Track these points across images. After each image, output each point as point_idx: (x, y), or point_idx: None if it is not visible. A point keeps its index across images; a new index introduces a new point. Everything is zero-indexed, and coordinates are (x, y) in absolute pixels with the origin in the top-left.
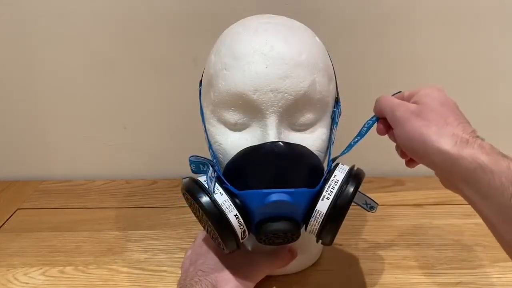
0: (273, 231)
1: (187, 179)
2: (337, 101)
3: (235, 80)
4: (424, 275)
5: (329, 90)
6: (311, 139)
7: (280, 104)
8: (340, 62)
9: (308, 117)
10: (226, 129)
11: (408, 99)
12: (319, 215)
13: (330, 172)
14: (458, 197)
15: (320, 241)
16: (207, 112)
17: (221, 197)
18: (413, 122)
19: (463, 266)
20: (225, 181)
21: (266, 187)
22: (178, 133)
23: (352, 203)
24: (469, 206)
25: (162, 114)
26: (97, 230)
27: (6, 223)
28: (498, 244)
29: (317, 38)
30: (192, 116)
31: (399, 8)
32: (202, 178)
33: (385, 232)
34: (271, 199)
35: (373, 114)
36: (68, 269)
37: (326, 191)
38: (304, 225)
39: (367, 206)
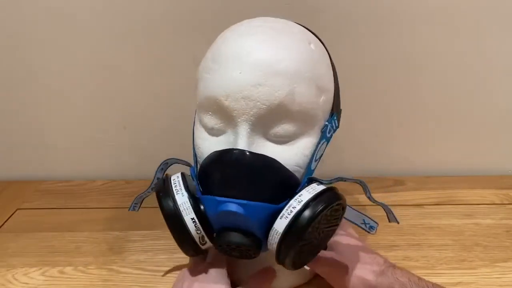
0: (226, 242)
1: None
2: (332, 114)
3: (211, 84)
4: (424, 275)
5: (316, 102)
6: (290, 153)
7: (252, 112)
8: (340, 62)
9: (286, 128)
10: (206, 133)
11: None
12: (276, 234)
13: (299, 190)
14: (458, 197)
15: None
16: (195, 115)
17: (181, 198)
18: (344, 270)
19: (463, 266)
20: (198, 185)
21: (221, 195)
22: (178, 133)
23: (350, 222)
24: (469, 206)
25: (162, 114)
26: (97, 230)
27: (6, 223)
28: (498, 244)
29: (312, 46)
30: (192, 116)
31: (399, 8)
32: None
33: (385, 232)
34: (222, 208)
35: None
36: (68, 269)
37: (287, 210)
38: None
39: (365, 226)
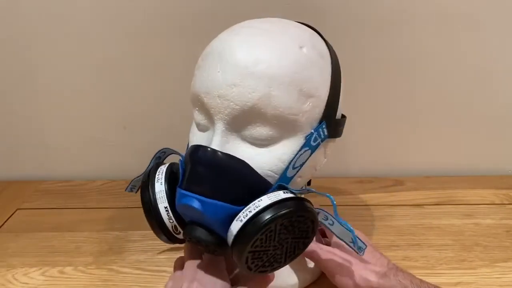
0: (188, 234)
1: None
2: (321, 122)
3: (197, 81)
4: (424, 275)
5: (298, 107)
6: (265, 157)
7: (226, 112)
8: (340, 62)
9: (260, 131)
10: (195, 128)
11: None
12: (231, 236)
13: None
14: (458, 197)
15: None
16: None
17: (159, 187)
18: (347, 268)
19: (463, 266)
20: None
21: (186, 189)
22: (178, 133)
23: (338, 238)
24: (469, 206)
25: (162, 114)
26: (97, 230)
27: (6, 223)
28: (498, 244)
29: (304, 49)
30: (192, 116)
31: (399, 8)
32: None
33: (385, 232)
34: (183, 201)
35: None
36: (68, 269)
37: (243, 212)
38: None
39: (354, 245)
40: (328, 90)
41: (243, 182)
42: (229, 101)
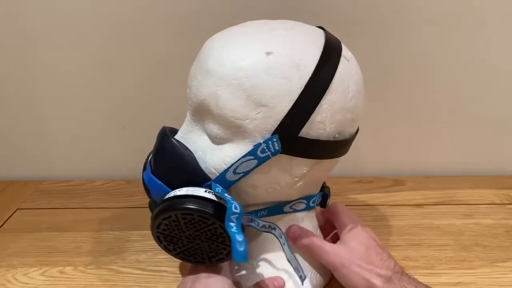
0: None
1: None
2: (273, 134)
3: None
4: (424, 275)
5: (244, 113)
6: (214, 154)
7: (189, 102)
8: None
9: (211, 128)
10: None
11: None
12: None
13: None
14: (458, 197)
15: None
16: None
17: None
18: (351, 268)
19: (463, 266)
20: None
21: (147, 162)
22: None
23: (287, 259)
24: (469, 206)
25: (162, 114)
26: (97, 230)
27: (5, 223)
28: (498, 244)
29: (271, 56)
30: None
31: (399, 8)
32: None
33: (385, 232)
34: (143, 174)
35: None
36: (68, 269)
37: (166, 196)
38: None
39: (297, 272)
40: (291, 103)
41: (182, 170)
42: (191, 92)
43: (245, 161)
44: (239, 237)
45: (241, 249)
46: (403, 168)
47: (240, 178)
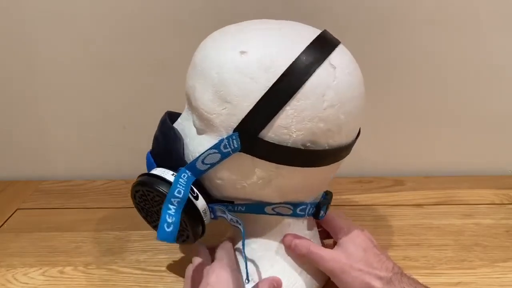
0: None
1: None
2: (236, 131)
3: None
4: (424, 275)
5: (212, 108)
6: (194, 142)
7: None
8: None
9: (193, 119)
10: None
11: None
12: None
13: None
14: (458, 197)
15: None
16: None
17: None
18: (351, 273)
19: (463, 266)
20: None
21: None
22: None
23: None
24: (469, 206)
25: (162, 114)
26: (97, 230)
27: (5, 223)
28: (498, 244)
29: (244, 56)
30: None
31: (399, 8)
32: None
33: (385, 232)
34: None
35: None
36: (68, 269)
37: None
38: None
39: (246, 274)
40: (254, 104)
41: (168, 151)
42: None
43: (211, 153)
44: (170, 219)
45: (168, 230)
46: (403, 168)
47: (207, 169)
